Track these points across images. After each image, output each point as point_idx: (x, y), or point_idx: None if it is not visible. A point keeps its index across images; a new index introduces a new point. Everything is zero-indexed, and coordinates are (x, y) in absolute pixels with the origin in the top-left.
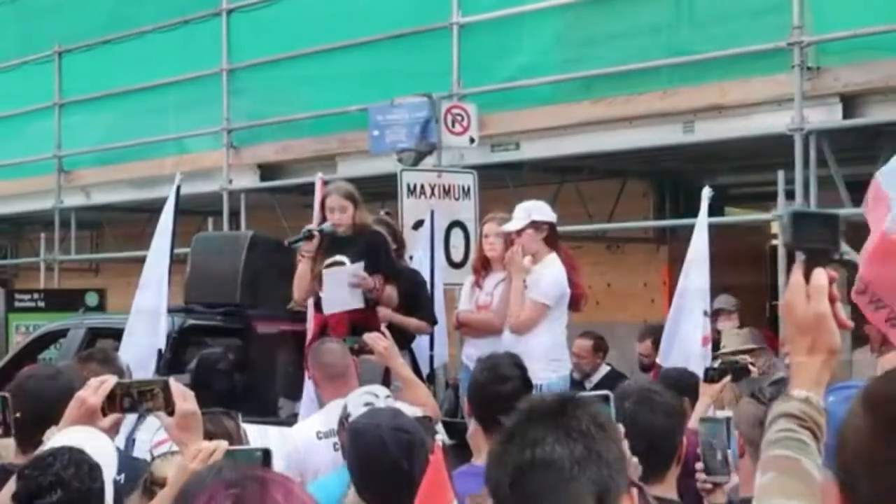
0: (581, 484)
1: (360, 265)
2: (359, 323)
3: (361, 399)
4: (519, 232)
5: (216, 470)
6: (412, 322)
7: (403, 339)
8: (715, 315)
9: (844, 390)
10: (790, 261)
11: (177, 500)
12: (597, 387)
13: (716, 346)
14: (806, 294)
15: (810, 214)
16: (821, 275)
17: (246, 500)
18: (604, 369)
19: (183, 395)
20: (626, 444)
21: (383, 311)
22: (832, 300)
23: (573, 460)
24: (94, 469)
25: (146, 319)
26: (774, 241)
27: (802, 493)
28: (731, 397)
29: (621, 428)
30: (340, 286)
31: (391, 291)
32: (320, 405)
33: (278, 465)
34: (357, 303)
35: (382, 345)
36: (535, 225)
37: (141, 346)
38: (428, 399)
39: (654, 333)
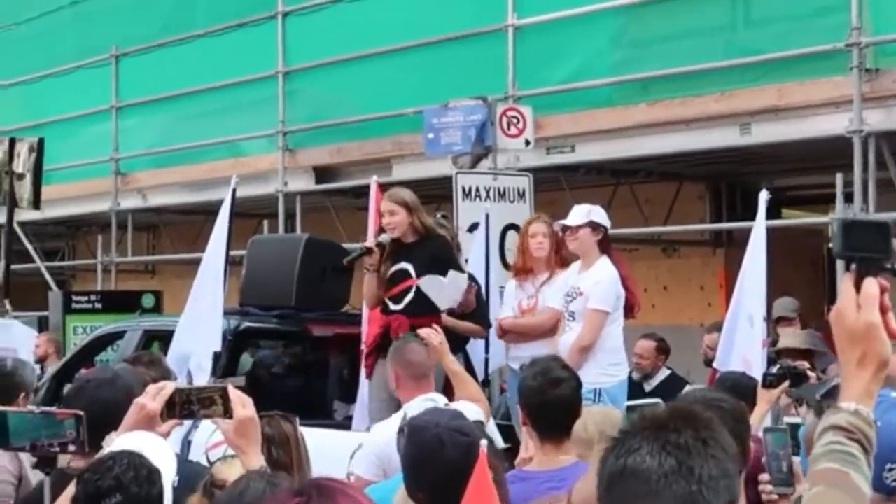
0: (663, 498)
1: (464, 278)
2: (420, 327)
3: (422, 406)
4: (576, 229)
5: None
6: (466, 325)
7: (457, 341)
8: (777, 322)
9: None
10: (848, 263)
11: None
12: (656, 389)
13: (773, 345)
14: (856, 304)
15: (861, 223)
16: (871, 284)
17: None
18: (664, 372)
19: (241, 402)
20: (734, 463)
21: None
22: (883, 310)
23: (661, 473)
24: (153, 473)
25: (202, 321)
26: (832, 244)
27: None
28: (787, 402)
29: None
30: (439, 287)
31: (471, 297)
32: (394, 406)
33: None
34: (452, 301)
35: (437, 340)
36: (592, 225)
37: (197, 348)
38: (479, 395)
39: (722, 327)
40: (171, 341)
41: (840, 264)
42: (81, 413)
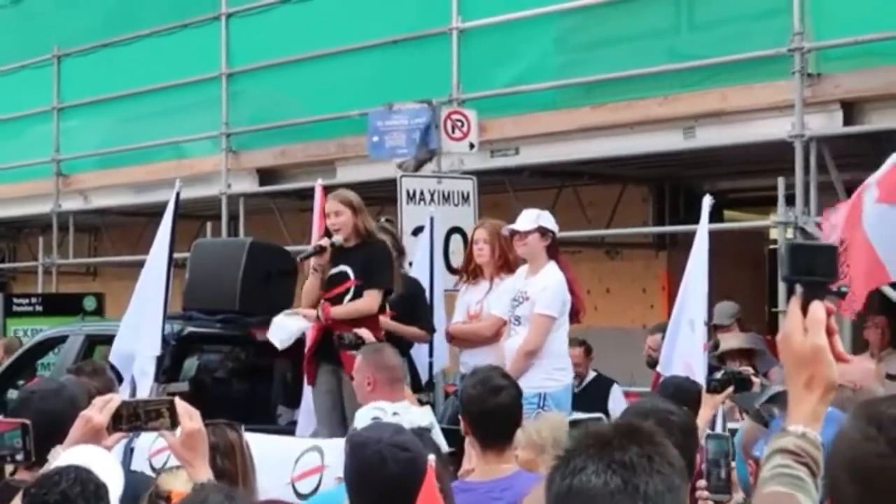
0: None
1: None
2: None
3: (369, 414)
4: (524, 234)
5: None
6: (409, 330)
7: (400, 346)
8: (715, 328)
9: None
10: (790, 289)
11: None
12: (585, 390)
13: (715, 349)
14: (803, 327)
15: (807, 247)
16: (818, 308)
17: None
18: (591, 374)
19: (189, 414)
20: (680, 476)
21: (381, 320)
22: (830, 333)
23: (607, 492)
24: (101, 489)
25: (144, 325)
26: (773, 246)
27: None
28: (731, 406)
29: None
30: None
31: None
32: (339, 412)
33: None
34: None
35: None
36: (541, 230)
37: (140, 352)
38: None
39: (665, 329)
40: (114, 343)
41: (781, 264)
42: (28, 422)
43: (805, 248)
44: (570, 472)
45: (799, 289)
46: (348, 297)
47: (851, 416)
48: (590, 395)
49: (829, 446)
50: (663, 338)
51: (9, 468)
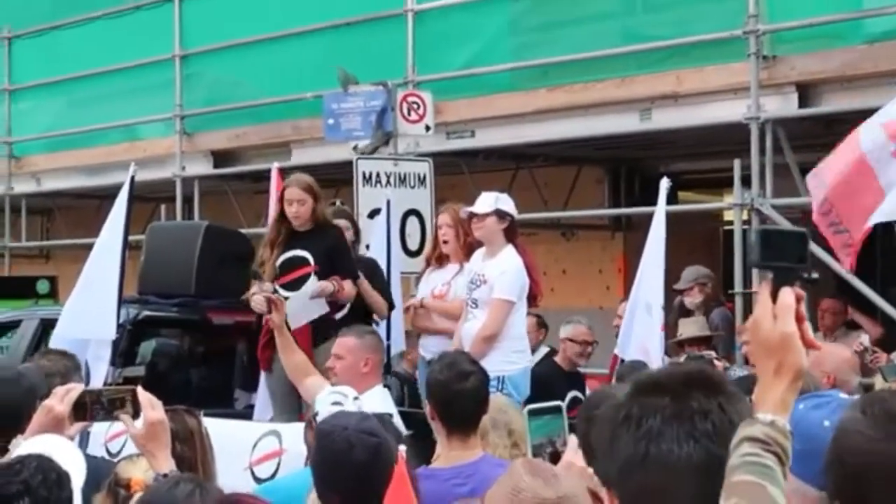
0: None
1: (313, 281)
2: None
3: (330, 398)
4: (482, 216)
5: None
6: (377, 298)
7: (360, 319)
8: (675, 293)
9: (814, 398)
10: (745, 246)
11: None
12: (537, 366)
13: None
14: (773, 314)
15: (778, 232)
16: (787, 294)
17: None
18: (544, 349)
19: (151, 404)
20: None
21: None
22: (799, 320)
23: (692, 467)
24: (63, 477)
25: (97, 308)
26: (728, 227)
27: None
28: None
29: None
30: (303, 304)
31: (350, 289)
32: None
33: None
34: (322, 309)
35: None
36: (499, 213)
37: (92, 335)
38: None
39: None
40: (61, 326)
41: (737, 245)
42: None
43: (776, 233)
44: (645, 437)
45: (769, 275)
46: (310, 282)
47: (868, 413)
48: (541, 371)
49: (836, 441)
50: (538, 323)
51: None
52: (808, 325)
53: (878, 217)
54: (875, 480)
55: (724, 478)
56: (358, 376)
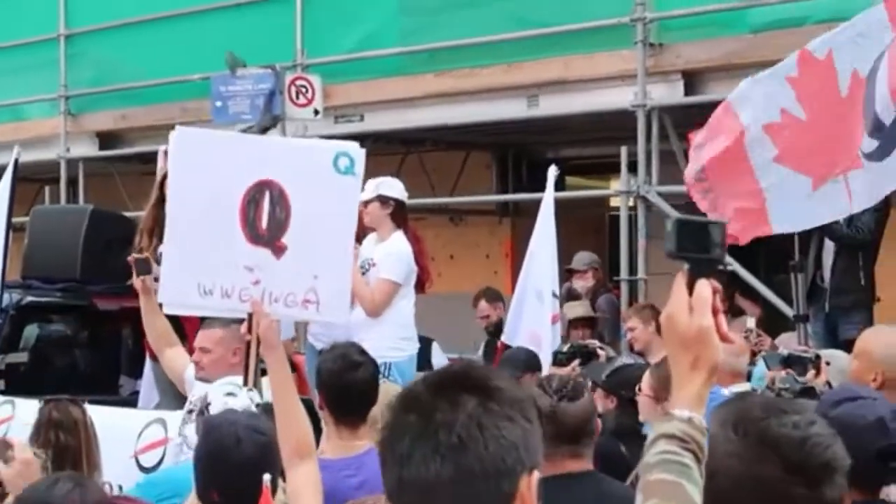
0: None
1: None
2: None
3: (223, 389)
4: (365, 203)
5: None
6: None
7: None
8: (569, 274)
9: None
10: (631, 233)
11: None
12: None
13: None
14: (689, 306)
15: (694, 223)
16: (704, 286)
17: None
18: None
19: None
20: (525, 416)
21: None
22: (715, 313)
23: (443, 482)
24: None
25: None
26: (614, 213)
27: None
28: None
29: None
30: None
31: None
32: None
33: None
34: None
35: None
36: (381, 199)
37: None
38: None
39: (484, 295)
40: None
41: (623, 232)
42: None
43: (693, 223)
44: (398, 462)
45: (684, 266)
46: None
47: (740, 434)
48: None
49: (712, 456)
50: (487, 301)
51: None
52: (723, 318)
53: (782, 228)
54: (747, 500)
55: (640, 476)
56: (227, 367)
